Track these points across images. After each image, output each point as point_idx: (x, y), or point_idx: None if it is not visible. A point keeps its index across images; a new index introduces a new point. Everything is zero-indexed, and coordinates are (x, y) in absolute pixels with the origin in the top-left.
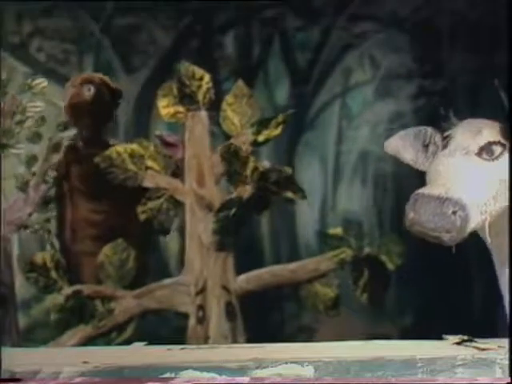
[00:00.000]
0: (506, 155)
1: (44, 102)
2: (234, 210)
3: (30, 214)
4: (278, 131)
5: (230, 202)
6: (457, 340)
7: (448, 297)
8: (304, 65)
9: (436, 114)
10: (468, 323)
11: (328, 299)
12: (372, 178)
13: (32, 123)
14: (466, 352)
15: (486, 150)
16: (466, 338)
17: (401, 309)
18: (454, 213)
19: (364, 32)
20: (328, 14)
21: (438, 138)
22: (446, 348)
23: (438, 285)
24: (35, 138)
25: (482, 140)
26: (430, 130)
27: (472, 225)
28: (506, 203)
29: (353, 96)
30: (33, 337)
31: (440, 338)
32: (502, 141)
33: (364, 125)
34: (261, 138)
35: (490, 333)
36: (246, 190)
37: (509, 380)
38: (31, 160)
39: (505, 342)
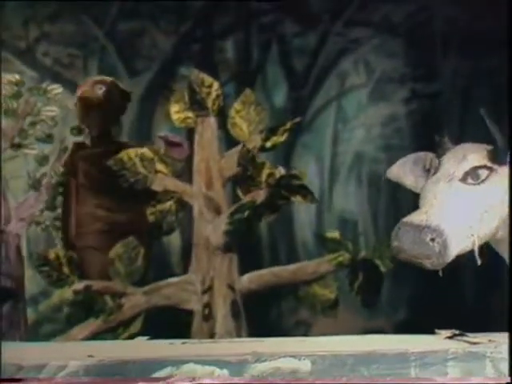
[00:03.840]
0: (494, 177)
1: (58, 106)
2: (247, 214)
3: (41, 211)
4: (284, 137)
5: (243, 205)
6: (448, 334)
7: (440, 292)
8: (301, 69)
9: (428, 117)
10: (459, 318)
11: (326, 300)
12: (367, 178)
13: (43, 124)
14: (458, 346)
15: (471, 175)
16: (457, 332)
17: (394, 304)
18: (433, 240)
19: (359, 37)
20: (324, 19)
21: (437, 163)
22: (438, 342)
23: (430, 281)
24: (47, 138)
25: (467, 165)
26: (430, 155)
27: (456, 249)
28: (495, 224)
29: (348, 99)
30: (40, 331)
31: (432, 333)
32: (489, 164)
33: (359, 127)
34: (269, 144)
35: (481, 327)
36: (260, 195)
37: (508, 380)
38: (43, 160)
39: (495, 335)
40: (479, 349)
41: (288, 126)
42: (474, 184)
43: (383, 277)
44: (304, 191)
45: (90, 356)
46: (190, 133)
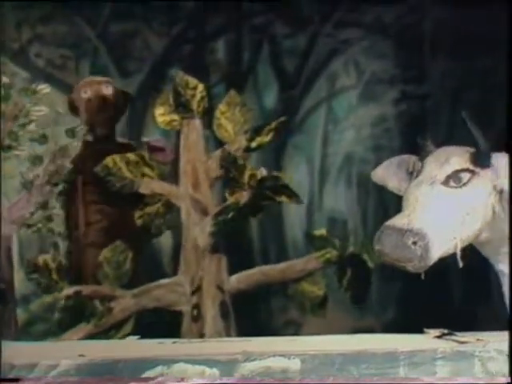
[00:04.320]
0: (476, 180)
1: (46, 106)
2: (231, 215)
3: (32, 213)
4: (269, 137)
5: (227, 207)
6: (437, 334)
7: (429, 292)
8: (292, 70)
9: (417, 118)
10: (448, 317)
11: (314, 298)
12: (356, 179)
13: (36, 125)
14: (446, 345)
15: (453, 179)
16: (446, 331)
17: (384, 304)
18: (415, 243)
19: (349, 39)
20: (315, 21)
21: (420, 166)
22: (427, 341)
23: (418, 281)
24: (41, 139)
25: (449, 169)
26: (413, 158)
27: (439, 252)
28: (478, 226)
29: (338, 100)
30: (31, 331)
31: (421, 332)
32: (471, 167)
33: (349, 128)
34: (254, 145)
35: (470, 326)
36: (243, 196)
37: (509, 380)
38: (36, 161)
39: (483, 335)
40: (467, 348)
41: (273, 125)
42: (456, 187)
43: (371, 272)
44: (288, 192)
45: (81, 355)
46: (179, 134)
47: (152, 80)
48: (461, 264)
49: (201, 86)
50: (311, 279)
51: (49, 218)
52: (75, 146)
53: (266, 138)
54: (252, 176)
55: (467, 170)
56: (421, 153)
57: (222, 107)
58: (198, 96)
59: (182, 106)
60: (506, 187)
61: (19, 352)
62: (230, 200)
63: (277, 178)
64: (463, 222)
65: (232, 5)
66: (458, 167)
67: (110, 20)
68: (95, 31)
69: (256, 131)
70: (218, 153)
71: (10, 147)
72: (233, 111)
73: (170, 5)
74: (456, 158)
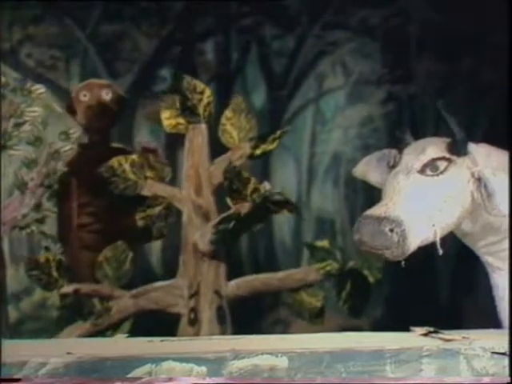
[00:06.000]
0: (453, 168)
1: (41, 106)
2: (232, 224)
3: (24, 216)
4: (273, 145)
5: (229, 216)
6: (423, 331)
7: (416, 291)
8: (280, 71)
9: (404, 118)
10: (434, 315)
11: (313, 308)
12: (344, 178)
13: (31, 127)
14: (432, 343)
15: (429, 167)
16: (432, 329)
17: (372, 303)
18: (392, 230)
19: (337, 40)
20: (303, 22)
21: (399, 158)
22: (413, 339)
23: (406, 280)
24: (36, 142)
25: (426, 158)
26: (393, 151)
27: (418, 239)
28: (457, 214)
29: (326, 101)
30: (22, 329)
31: (407, 330)
32: (447, 156)
33: (336, 128)
34: (258, 152)
35: (455, 324)
36: (245, 207)
37: (509, 380)
38: (31, 163)
39: (469, 332)
40: (453, 346)
41: (277, 134)
42: (433, 175)
43: (371, 287)
44: (290, 206)
45: (69, 353)
46: (169, 136)
47: (141, 81)
48: (441, 252)
49: (208, 91)
50: (310, 290)
51: (41, 221)
52: (69, 149)
53: (270, 145)
54: (255, 190)
55: (444, 158)
56: (399, 145)
57: (227, 113)
58: (205, 101)
59: (188, 111)
60: (484, 174)
61: (10, 350)
62: (232, 210)
63: (280, 194)
64: (441, 209)
65: (220, 6)
66: (434, 156)
67: (100, 21)
68: (85, 32)
69: (261, 139)
70: (221, 161)
71: (4, 147)
72: (238, 117)
73: (159, 6)
74: (432, 147)
